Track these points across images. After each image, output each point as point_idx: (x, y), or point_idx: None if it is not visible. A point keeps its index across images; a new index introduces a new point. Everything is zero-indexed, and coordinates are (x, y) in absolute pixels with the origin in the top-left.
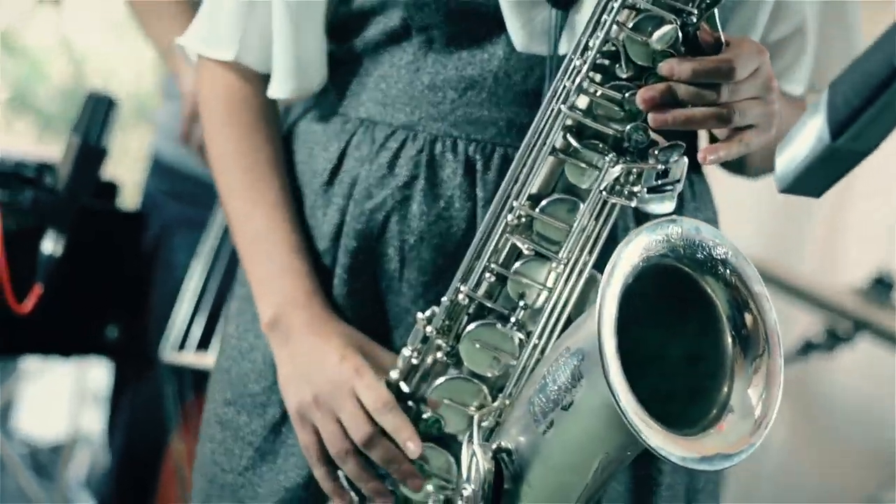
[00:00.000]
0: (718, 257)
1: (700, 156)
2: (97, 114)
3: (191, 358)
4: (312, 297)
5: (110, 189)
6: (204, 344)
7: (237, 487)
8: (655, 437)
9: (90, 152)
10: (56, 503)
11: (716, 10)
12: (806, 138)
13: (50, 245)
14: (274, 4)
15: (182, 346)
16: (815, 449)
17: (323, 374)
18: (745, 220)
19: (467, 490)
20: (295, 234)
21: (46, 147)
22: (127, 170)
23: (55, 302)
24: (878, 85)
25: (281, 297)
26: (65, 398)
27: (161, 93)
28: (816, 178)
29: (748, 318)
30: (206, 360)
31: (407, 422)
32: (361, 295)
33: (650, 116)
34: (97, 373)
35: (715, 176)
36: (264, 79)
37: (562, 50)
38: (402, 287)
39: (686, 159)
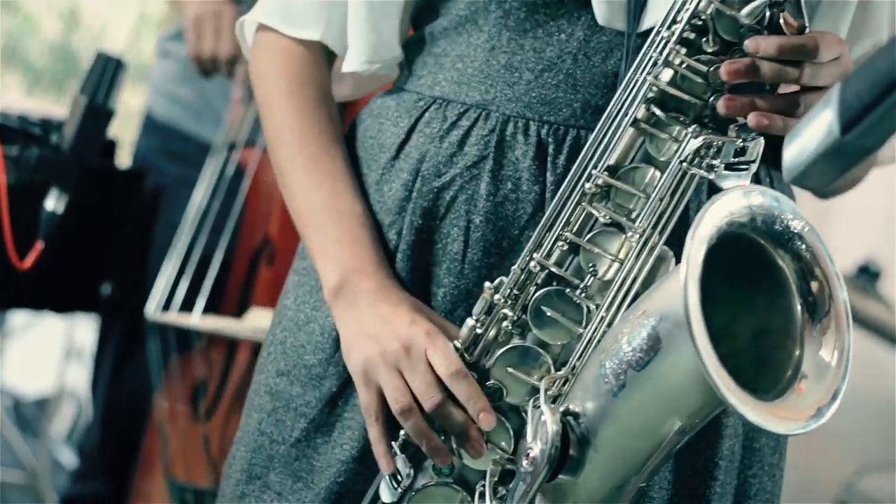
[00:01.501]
0: (794, 231)
1: (752, 117)
2: (105, 75)
3: (174, 317)
4: (378, 266)
5: (109, 147)
6: (188, 304)
7: (290, 459)
8: (737, 399)
9: (97, 112)
10: (38, 457)
11: None
12: (815, 131)
13: (52, 202)
14: None
15: (167, 306)
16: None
17: (392, 334)
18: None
19: (534, 450)
20: (359, 206)
21: (35, 102)
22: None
23: (52, 258)
24: (889, 83)
25: (346, 265)
26: (52, 354)
27: (156, 51)
28: (823, 170)
29: (815, 285)
30: (190, 320)
31: (480, 391)
32: (423, 273)
33: (720, 102)
34: (85, 329)
35: None
36: (330, 60)
37: (643, 27)
38: (465, 268)
39: (762, 140)
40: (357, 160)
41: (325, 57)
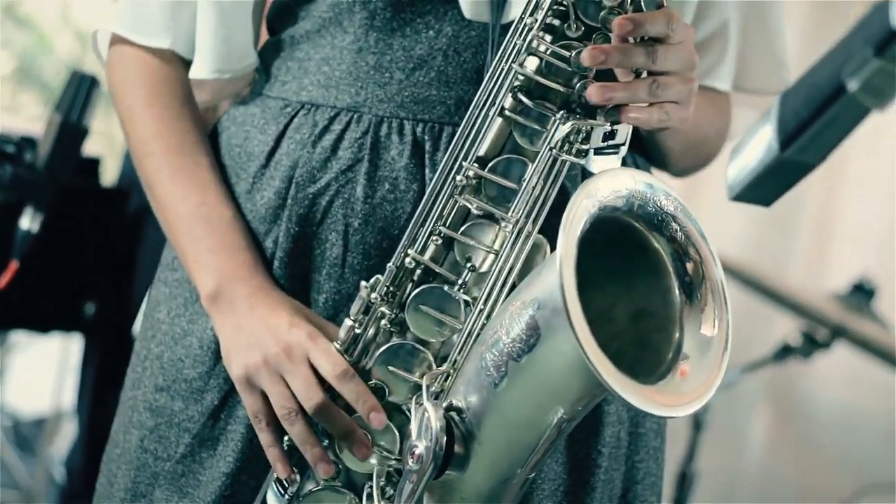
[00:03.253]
0: (667, 211)
1: (623, 113)
2: (80, 93)
3: None
4: (254, 270)
5: (93, 165)
6: None
7: (177, 476)
8: (618, 384)
9: (71, 131)
10: (35, 477)
11: None
12: (756, 148)
13: (27, 222)
14: None
15: None
16: (792, 452)
17: (273, 339)
18: (734, 225)
19: (419, 448)
20: (229, 211)
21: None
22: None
23: (34, 278)
24: (825, 99)
25: (221, 271)
26: (50, 372)
27: None
28: (766, 187)
29: (690, 266)
30: None
31: (368, 391)
32: (303, 280)
33: (590, 90)
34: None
35: (709, 183)
36: (186, 64)
37: (508, 18)
38: (346, 272)
39: (631, 124)
40: (224, 168)
41: (181, 63)
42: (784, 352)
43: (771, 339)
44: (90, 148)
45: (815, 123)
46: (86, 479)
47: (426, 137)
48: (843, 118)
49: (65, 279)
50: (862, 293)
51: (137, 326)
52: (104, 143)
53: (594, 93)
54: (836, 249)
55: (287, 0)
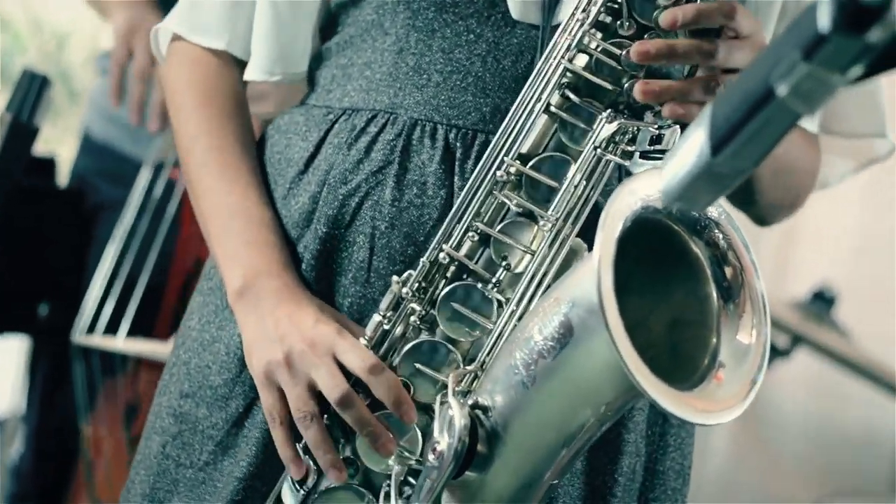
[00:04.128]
0: (710, 217)
1: (667, 108)
2: (31, 92)
3: (99, 340)
4: (284, 268)
5: (48, 165)
6: (113, 328)
7: (197, 483)
8: (651, 387)
9: (21, 130)
10: None
11: None
12: (688, 153)
13: None
14: None
15: (92, 329)
16: (753, 458)
17: (297, 334)
18: None
19: (440, 445)
20: (268, 212)
21: None
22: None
23: None
24: (754, 104)
25: (251, 266)
26: (8, 374)
27: (95, 68)
28: (699, 192)
29: (729, 271)
30: (115, 343)
31: (400, 384)
32: (329, 283)
33: (636, 87)
34: None
35: None
36: (241, 68)
37: (557, 20)
38: (371, 277)
39: (678, 128)
40: (265, 176)
41: (236, 66)
42: None
43: None
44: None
45: (745, 128)
46: (34, 483)
47: (458, 144)
48: (774, 123)
49: (19, 280)
50: (822, 301)
51: (77, 329)
52: None
53: (639, 90)
54: (798, 257)
55: (336, 6)
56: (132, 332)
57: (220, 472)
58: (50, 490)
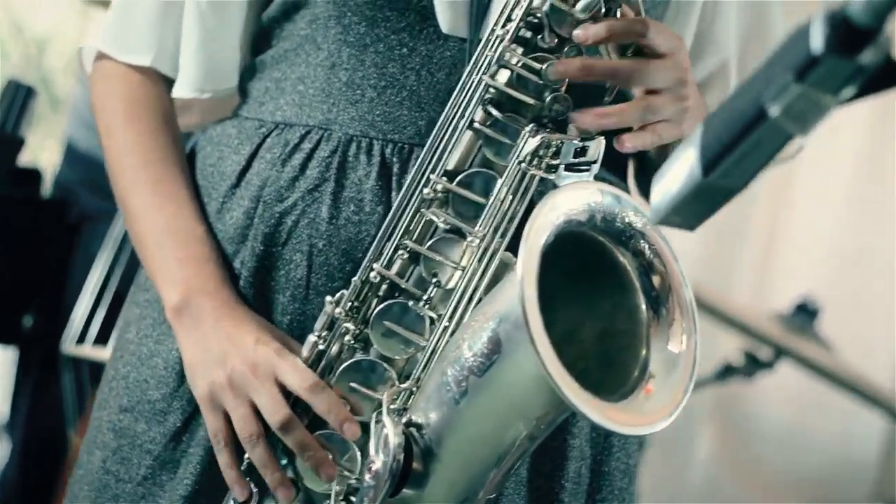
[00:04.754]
0: (636, 228)
1: (618, 143)
2: (16, 102)
3: (89, 351)
4: (221, 284)
5: (33, 176)
6: (103, 338)
7: (137, 498)
8: (578, 399)
9: (7, 140)
10: None
11: None
12: (679, 172)
13: None
14: (187, 5)
15: (82, 339)
16: (736, 470)
17: (238, 356)
18: (678, 244)
19: (376, 464)
20: (202, 227)
21: None
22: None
23: None
24: (747, 124)
25: (188, 284)
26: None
27: (77, 77)
28: (689, 211)
29: (656, 279)
30: (105, 353)
31: (340, 402)
32: (267, 301)
33: (577, 118)
34: None
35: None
36: (169, 83)
37: (485, 33)
38: (310, 294)
39: (602, 140)
40: (197, 188)
41: (163, 81)
42: (726, 371)
43: (710, 358)
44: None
45: (737, 148)
46: (21, 493)
47: (395, 159)
48: (766, 143)
49: (4, 291)
50: (805, 314)
51: (66, 339)
52: None
53: (582, 120)
54: (780, 270)
55: (270, 19)
56: None
57: (159, 486)
58: (36, 498)
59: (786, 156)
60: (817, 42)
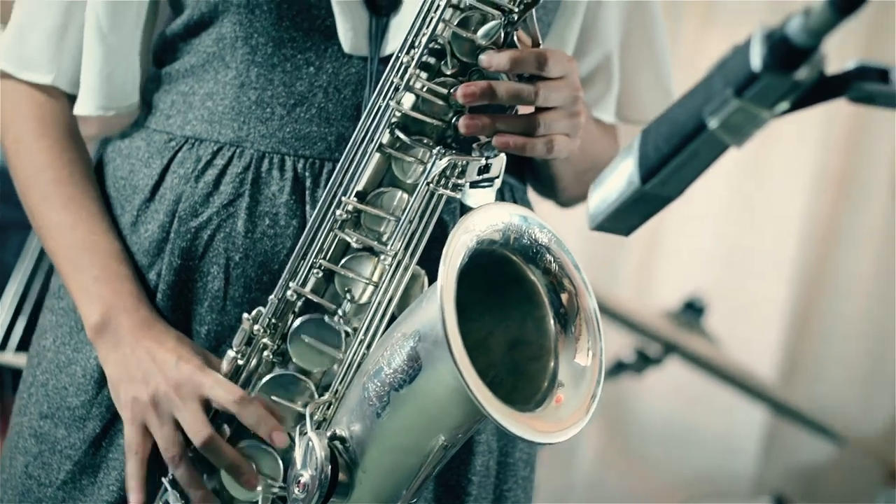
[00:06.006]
0: (542, 244)
1: (496, 139)
2: None
3: (10, 358)
4: (139, 301)
5: None
6: (24, 345)
7: (57, 502)
8: (497, 412)
9: None
10: None
11: (534, 13)
12: (617, 180)
13: None
14: (87, 23)
15: (3, 347)
16: (622, 465)
17: (161, 375)
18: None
19: (304, 477)
20: (116, 244)
21: None
22: None
23: None
24: (686, 135)
25: (106, 302)
26: None
27: None
28: (626, 218)
29: (564, 297)
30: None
31: (268, 413)
32: (185, 312)
33: (461, 122)
34: None
35: (536, 206)
36: (70, 99)
37: (385, 52)
38: (227, 305)
39: (504, 156)
40: (110, 200)
41: (65, 97)
42: (618, 368)
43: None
44: None
45: (675, 158)
46: None
47: (307, 174)
48: (703, 154)
49: None
50: (693, 310)
51: None
52: None
53: (463, 124)
54: (664, 267)
55: (174, 34)
56: None
57: (80, 491)
58: None
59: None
60: (757, 60)
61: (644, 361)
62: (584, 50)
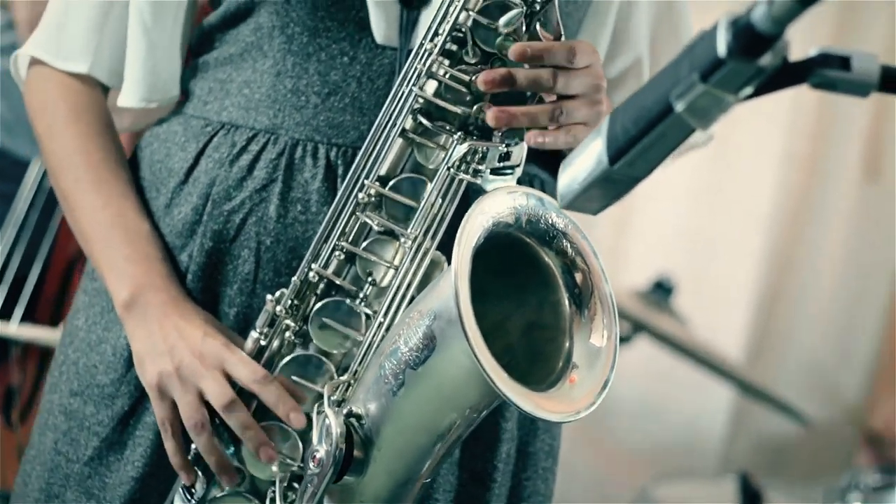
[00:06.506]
0: (559, 228)
1: (527, 136)
2: None
3: None
4: (169, 280)
5: None
6: (6, 314)
7: (84, 478)
8: (509, 390)
9: None
10: None
11: (556, 5)
12: (587, 160)
13: None
14: (131, 18)
15: None
16: (589, 441)
17: (187, 348)
18: None
19: (319, 452)
20: (146, 224)
21: None
22: None
23: None
24: (653, 118)
25: (136, 280)
26: None
27: None
28: (594, 197)
29: (579, 277)
30: (7, 329)
31: (287, 393)
32: (215, 294)
33: (489, 114)
34: None
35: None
36: (104, 88)
37: (415, 44)
38: (257, 288)
39: (525, 144)
40: (145, 183)
41: (99, 88)
42: None
43: None
44: None
45: (643, 140)
46: None
47: (339, 162)
48: (670, 136)
49: None
50: (661, 290)
51: None
52: None
53: (492, 117)
54: (634, 247)
55: (211, 26)
56: (24, 319)
57: (106, 467)
58: None
59: (697, 144)
60: (722, 46)
61: None
62: (617, 52)
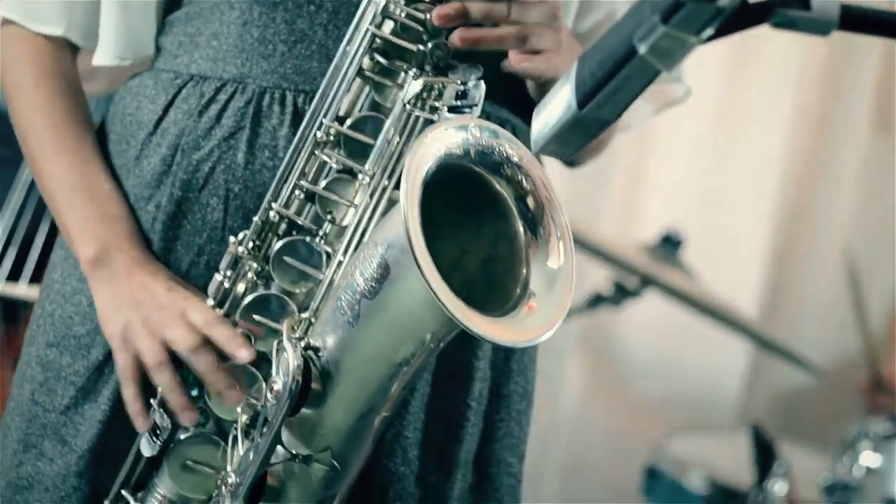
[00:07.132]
0: (513, 161)
1: (506, 62)
2: None
3: (1, 287)
4: (133, 240)
5: None
6: (14, 275)
7: (59, 426)
8: (463, 316)
9: None
10: None
11: None
12: (557, 106)
13: None
14: None
15: None
16: (605, 396)
17: (152, 302)
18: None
19: (276, 384)
20: (109, 184)
21: None
22: None
23: None
24: (618, 61)
25: (101, 240)
26: None
27: None
28: (566, 141)
29: (531, 202)
30: (16, 290)
31: (237, 333)
32: (185, 243)
33: (455, 35)
34: None
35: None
36: (76, 50)
37: None
38: (226, 235)
39: (483, 84)
40: (117, 136)
41: (70, 50)
42: (596, 300)
43: (580, 288)
44: None
45: (609, 83)
46: None
47: (306, 108)
48: (635, 78)
49: None
50: (670, 244)
51: None
52: None
53: (458, 37)
54: (646, 202)
55: None
56: (32, 281)
57: (80, 415)
58: None
59: (675, 100)
60: None
61: (622, 294)
62: (588, 8)
